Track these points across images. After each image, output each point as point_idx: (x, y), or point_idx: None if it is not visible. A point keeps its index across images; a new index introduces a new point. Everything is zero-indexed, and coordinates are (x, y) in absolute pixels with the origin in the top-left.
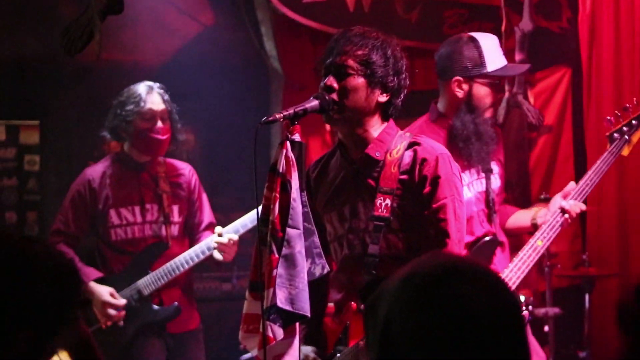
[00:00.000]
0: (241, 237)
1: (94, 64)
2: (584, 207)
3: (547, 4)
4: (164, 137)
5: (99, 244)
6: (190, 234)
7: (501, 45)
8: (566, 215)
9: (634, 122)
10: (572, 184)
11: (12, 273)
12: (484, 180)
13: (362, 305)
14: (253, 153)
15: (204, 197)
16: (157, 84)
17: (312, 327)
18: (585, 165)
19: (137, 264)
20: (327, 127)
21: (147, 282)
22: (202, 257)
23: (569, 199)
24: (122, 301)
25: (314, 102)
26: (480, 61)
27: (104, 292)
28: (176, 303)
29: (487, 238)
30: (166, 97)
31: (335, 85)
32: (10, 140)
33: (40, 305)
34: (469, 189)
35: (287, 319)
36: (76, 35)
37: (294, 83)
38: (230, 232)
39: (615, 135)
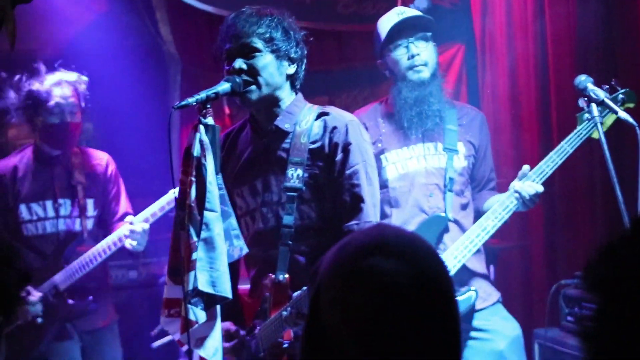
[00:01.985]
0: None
1: None
2: (540, 188)
3: None
4: (75, 131)
5: (11, 239)
6: (104, 227)
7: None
8: (518, 196)
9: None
10: (525, 167)
11: None
12: (442, 157)
13: (281, 276)
14: (165, 138)
15: (121, 186)
16: (70, 72)
17: (228, 304)
18: None
19: (53, 258)
20: (227, 110)
21: (63, 278)
22: (114, 248)
23: (524, 180)
24: (36, 295)
25: (225, 85)
26: (377, 37)
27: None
28: (90, 297)
29: (433, 214)
30: (78, 86)
31: (244, 66)
32: None
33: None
34: (418, 161)
35: (209, 301)
36: None
37: (191, 67)
38: (141, 221)
39: (586, 116)
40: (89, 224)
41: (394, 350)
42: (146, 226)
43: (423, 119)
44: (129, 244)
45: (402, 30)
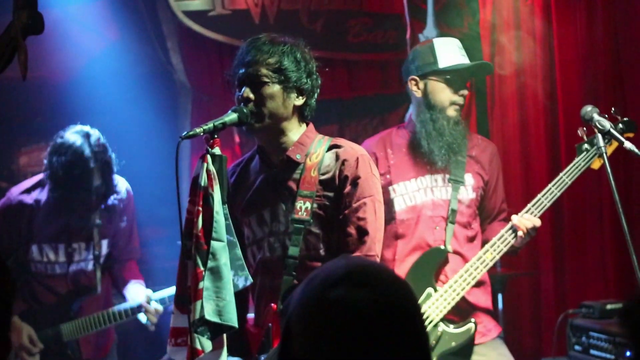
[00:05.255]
0: (156, 252)
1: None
2: (538, 222)
3: (449, 10)
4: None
5: (20, 269)
6: (113, 263)
7: (407, 52)
8: (518, 232)
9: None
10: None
11: None
12: (449, 189)
13: (282, 306)
14: (174, 167)
15: (134, 223)
16: (92, 133)
17: (234, 336)
18: None
19: (63, 305)
20: (237, 139)
21: (69, 330)
22: (125, 319)
23: (522, 213)
24: (37, 347)
25: (233, 115)
26: (433, 59)
27: (24, 334)
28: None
29: (434, 247)
30: (96, 147)
31: (252, 95)
32: None
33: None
34: (425, 193)
35: (215, 330)
36: None
37: (201, 96)
38: (158, 302)
39: (586, 146)
40: (101, 260)
41: None
42: (160, 308)
43: (450, 153)
44: (142, 318)
45: (465, 70)
